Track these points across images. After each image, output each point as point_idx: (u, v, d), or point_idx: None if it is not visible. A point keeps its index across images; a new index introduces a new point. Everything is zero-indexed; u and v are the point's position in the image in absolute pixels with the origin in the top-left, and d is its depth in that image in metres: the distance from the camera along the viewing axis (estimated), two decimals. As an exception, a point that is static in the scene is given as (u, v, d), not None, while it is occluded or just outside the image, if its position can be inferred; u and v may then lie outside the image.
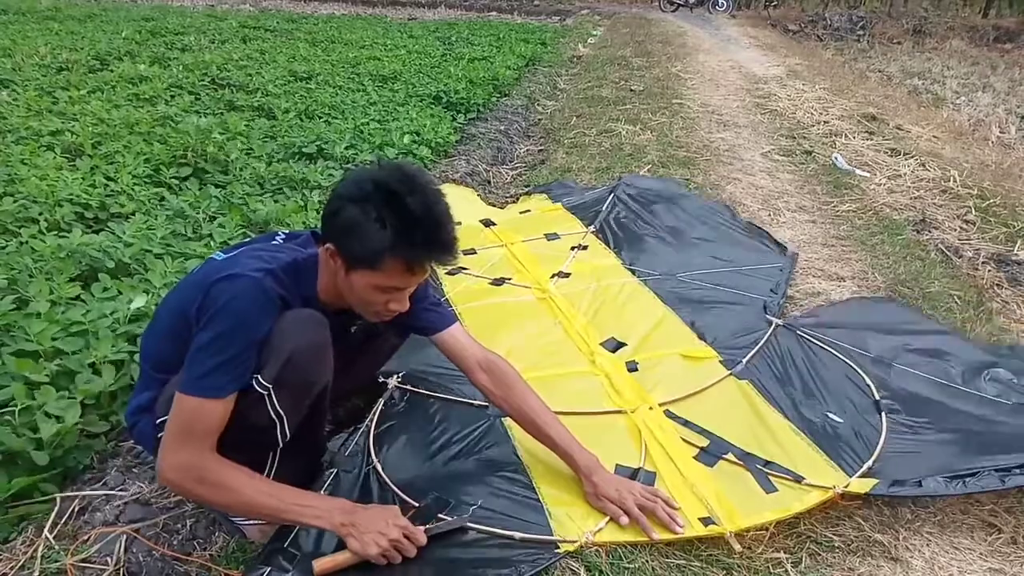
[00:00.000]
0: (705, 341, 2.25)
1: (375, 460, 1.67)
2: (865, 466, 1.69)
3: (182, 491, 1.40)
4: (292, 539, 1.43)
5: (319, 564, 1.34)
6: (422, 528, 1.41)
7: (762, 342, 2.24)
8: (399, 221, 1.27)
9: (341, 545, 1.37)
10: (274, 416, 1.34)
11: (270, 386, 1.31)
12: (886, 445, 1.78)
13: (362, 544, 1.33)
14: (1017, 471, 1.60)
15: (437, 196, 1.33)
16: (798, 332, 2.31)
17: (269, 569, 1.37)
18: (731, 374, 2.08)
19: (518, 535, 1.47)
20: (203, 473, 1.27)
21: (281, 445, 1.43)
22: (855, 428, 1.85)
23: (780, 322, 2.37)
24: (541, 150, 4.82)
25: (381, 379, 1.92)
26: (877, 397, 1.98)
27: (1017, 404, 1.96)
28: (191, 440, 1.27)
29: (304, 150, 3.99)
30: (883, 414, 1.90)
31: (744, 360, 2.13)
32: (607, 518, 1.51)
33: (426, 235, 1.30)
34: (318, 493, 1.54)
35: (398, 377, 1.95)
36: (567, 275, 2.71)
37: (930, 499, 1.65)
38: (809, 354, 2.20)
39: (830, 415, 1.90)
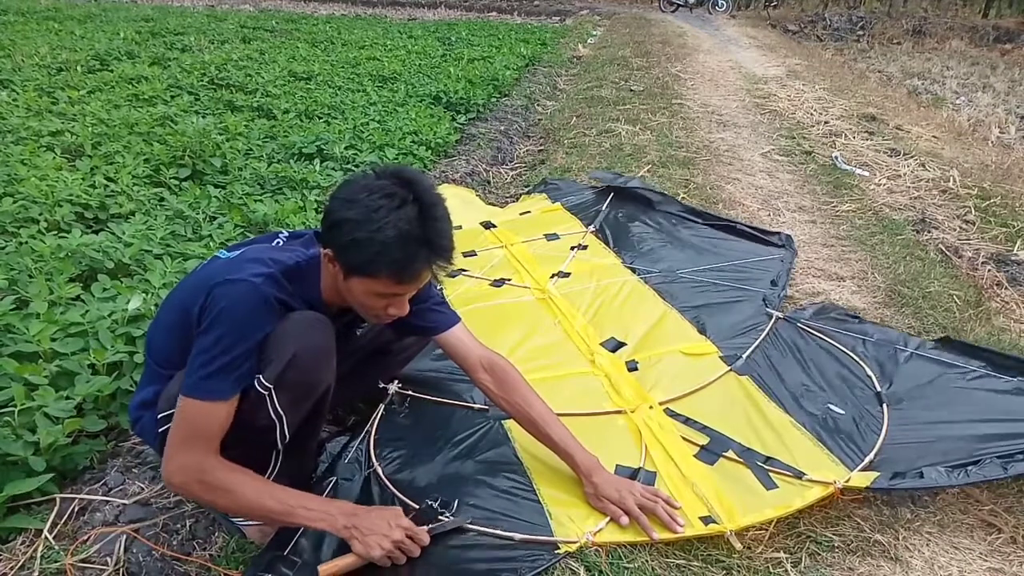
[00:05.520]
0: (705, 335, 2.26)
1: (375, 463, 1.67)
2: (866, 460, 1.69)
3: (186, 494, 1.41)
4: (292, 546, 1.43)
5: (324, 569, 1.33)
6: (425, 528, 1.41)
7: (762, 336, 2.24)
8: (394, 230, 1.26)
9: (343, 549, 1.37)
10: (274, 416, 1.34)
11: (271, 387, 1.31)
12: (887, 437, 1.78)
13: (365, 546, 1.32)
14: (1020, 457, 1.60)
15: (433, 204, 1.31)
16: (799, 324, 2.31)
17: (269, 575, 1.36)
18: (731, 370, 2.08)
19: (518, 536, 1.47)
20: (206, 476, 1.28)
21: (281, 446, 1.43)
22: (856, 421, 1.85)
23: (780, 315, 2.37)
24: (541, 150, 4.82)
25: (381, 384, 1.92)
26: (879, 388, 1.98)
27: (1018, 387, 1.96)
28: (194, 443, 1.27)
29: (304, 150, 3.99)
30: (885, 406, 1.90)
31: (744, 356, 2.13)
32: (607, 518, 1.51)
33: (421, 244, 1.29)
34: (320, 496, 1.54)
35: (398, 381, 1.95)
36: (567, 275, 2.71)
37: (930, 498, 1.65)
38: (810, 346, 2.20)
39: (831, 407, 1.90)
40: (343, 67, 6.90)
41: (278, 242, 1.48)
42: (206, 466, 1.28)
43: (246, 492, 1.30)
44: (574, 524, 1.51)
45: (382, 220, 1.26)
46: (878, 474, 1.61)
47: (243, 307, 1.28)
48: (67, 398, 1.66)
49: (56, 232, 2.65)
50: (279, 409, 1.34)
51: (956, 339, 2.25)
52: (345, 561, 1.34)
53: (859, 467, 1.66)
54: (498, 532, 1.48)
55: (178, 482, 1.30)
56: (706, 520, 1.52)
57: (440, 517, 1.49)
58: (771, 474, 1.65)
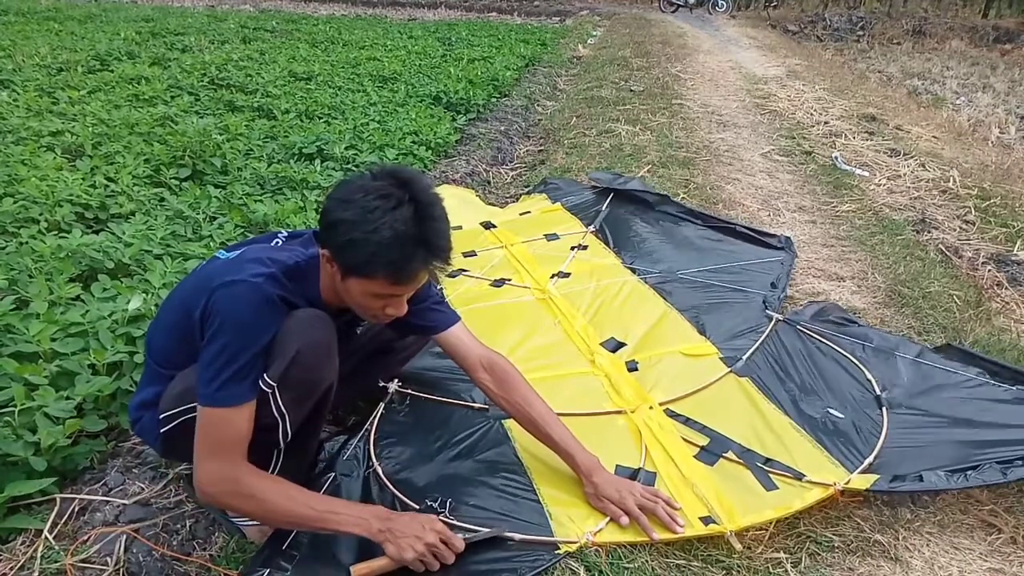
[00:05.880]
0: (705, 336, 2.26)
1: (375, 462, 1.67)
2: (866, 462, 1.69)
3: (220, 504, 1.40)
4: (291, 541, 1.43)
5: (356, 570, 1.33)
6: (460, 536, 1.40)
7: (762, 338, 2.24)
8: (390, 231, 1.25)
9: (357, 550, 1.38)
10: (276, 415, 1.34)
11: (275, 384, 1.31)
12: (887, 440, 1.78)
13: (399, 548, 1.32)
14: (1019, 463, 1.60)
15: (430, 204, 1.30)
16: (799, 327, 2.31)
17: (268, 571, 1.37)
18: (731, 371, 2.08)
19: (518, 536, 1.47)
20: (238, 486, 1.28)
21: (283, 445, 1.43)
22: (856, 424, 1.85)
23: (780, 317, 2.37)
24: (541, 150, 4.82)
25: (381, 383, 1.93)
26: (878, 392, 1.98)
27: (1018, 395, 1.96)
28: (222, 452, 1.27)
29: (304, 150, 3.99)
30: (884, 409, 1.90)
31: (744, 357, 2.13)
32: (607, 518, 1.51)
33: (417, 245, 1.28)
34: (350, 500, 1.54)
35: (398, 380, 1.95)
36: (567, 275, 2.71)
37: (930, 498, 1.65)
38: (810, 349, 2.20)
39: (831, 411, 1.90)
40: (343, 67, 6.90)
41: (277, 242, 1.48)
42: (237, 475, 1.28)
43: (277, 500, 1.30)
44: (574, 524, 1.51)
45: (378, 221, 1.25)
46: (878, 476, 1.62)
47: (247, 309, 1.28)
48: (67, 398, 1.66)
49: (56, 232, 2.65)
50: (281, 407, 1.34)
51: (956, 346, 2.24)
52: (379, 563, 1.34)
53: (859, 469, 1.66)
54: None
55: (211, 492, 1.30)
56: (706, 520, 1.52)
57: (472, 526, 1.48)
58: (771, 475, 1.65)
